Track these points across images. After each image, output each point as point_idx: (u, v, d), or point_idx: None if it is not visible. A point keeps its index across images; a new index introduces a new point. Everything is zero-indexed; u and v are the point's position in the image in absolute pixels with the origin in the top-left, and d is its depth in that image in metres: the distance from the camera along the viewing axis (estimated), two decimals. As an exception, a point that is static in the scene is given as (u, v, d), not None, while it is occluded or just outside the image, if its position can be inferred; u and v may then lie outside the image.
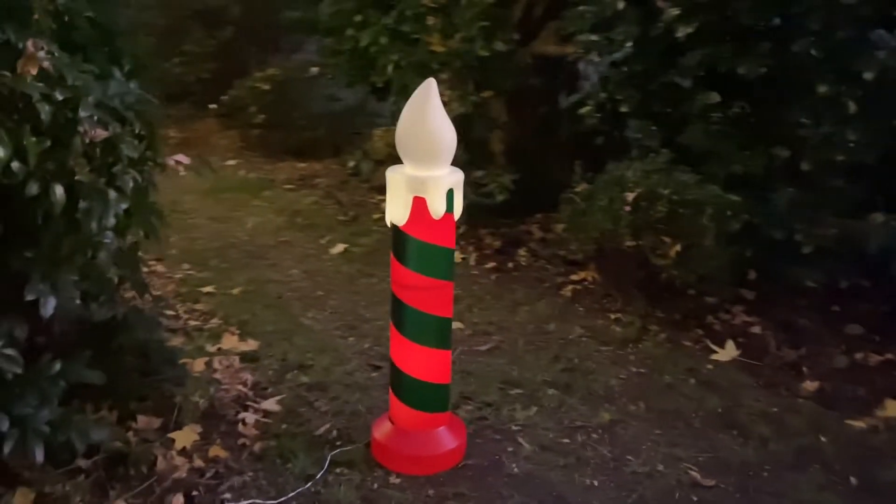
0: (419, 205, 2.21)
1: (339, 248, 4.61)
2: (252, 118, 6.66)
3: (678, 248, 3.47)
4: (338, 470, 2.47)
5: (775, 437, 2.76)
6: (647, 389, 3.08)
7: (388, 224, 2.33)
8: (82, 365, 2.10)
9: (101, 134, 1.98)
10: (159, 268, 4.11)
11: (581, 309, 3.82)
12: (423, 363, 2.38)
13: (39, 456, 1.91)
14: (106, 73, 2.21)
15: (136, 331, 2.46)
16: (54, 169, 1.93)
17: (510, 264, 4.39)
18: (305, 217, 5.22)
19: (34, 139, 1.87)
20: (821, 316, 3.61)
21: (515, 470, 2.53)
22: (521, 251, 4.53)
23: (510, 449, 2.63)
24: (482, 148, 5.12)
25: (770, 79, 3.42)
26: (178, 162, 2.43)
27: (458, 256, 4.46)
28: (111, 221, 1.99)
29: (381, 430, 2.49)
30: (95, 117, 1.99)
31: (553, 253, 4.45)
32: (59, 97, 1.92)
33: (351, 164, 5.96)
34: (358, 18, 5.38)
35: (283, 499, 2.33)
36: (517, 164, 4.96)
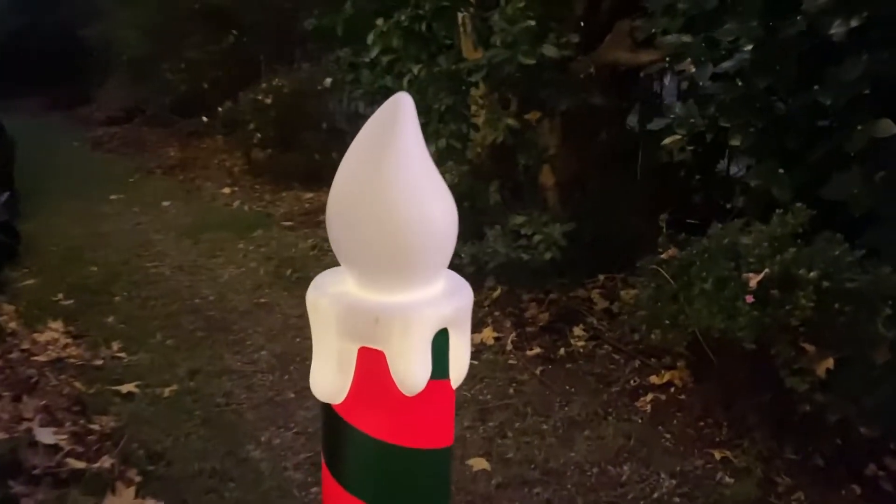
0: (371, 365, 1.01)
1: (332, 317, 3.44)
2: (251, 136, 5.56)
3: (829, 364, 2.21)
4: None
5: None
6: None
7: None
8: None
9: None
10: (73, 349, 2.98)
11: (668, 436, 2.57)
12: None
13: None
14: None
15: None
16: None
17: (562, 350, 3.15)
18: (298, 268, 4.06)
19: None
20: None
21: None
22: (578, 329, 3.30)
23: None
24: (526, 186, 3.92)
25: None
26: None
27: (489, 336, 3.25)
28: None
29: None
30: None
31: (623, 335, 3.20)
32: None
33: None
34: (380, 22, 4.25)
35: None
36: (573, 208, 3.75)
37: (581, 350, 3.17)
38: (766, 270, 2.25)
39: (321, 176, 5.57)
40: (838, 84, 2.35)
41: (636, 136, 4.06)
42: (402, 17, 3.49)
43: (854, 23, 2.22)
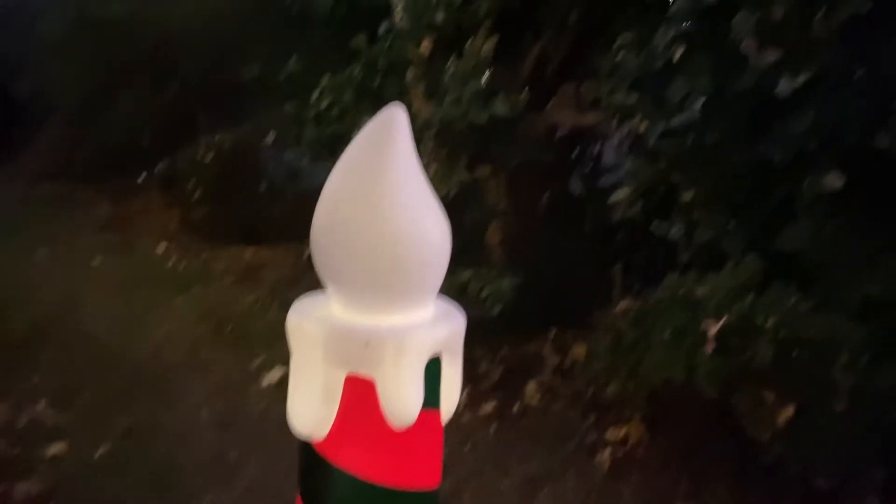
0: (359, 395, 0.93)
1: (276, 374, 3.30)
2: (191, 193, 5.41)
3: (790, 412, 2.21)
4: None
5: None
6: None
7: (294, 431, 1.04)
8: None
9: None
10: (-4, 408, 2.76)
11: (627, 492, 2.51)
12: None
13: None
14: None
15: None
16: None
17: (516, 407, 3.09)
18: (238, 325, 3.91)
19: None
20: None
21: None
22: (532, 386, 3.24)
23: None
24: (474, 241, 3.90)
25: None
26: None
27: (440, 393, 3.15)
28: None
29: None
30: None
31: (578, 391, 3.16)
32: None
33: (307, 253, 4.68)
34: (326, 80, 4.25)
35: None
36: (521, 263, 3.74)
37: (535, 406, 3.11)
38: (725, 318, 2.26)
39: (261, 233, 5.46)
40: (786, 138, 2.42)
41: (582, 194, 4.11)
42: (356, 72, 3.48)
43: (801, 79, 2.30)
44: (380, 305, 0.95)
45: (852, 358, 2.16)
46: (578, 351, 3.49)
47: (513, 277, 3.39)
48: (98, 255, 5.15)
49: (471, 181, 3.60)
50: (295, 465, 2.49)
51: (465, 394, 3.13)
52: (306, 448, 0.98)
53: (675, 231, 2.76)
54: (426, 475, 1.01)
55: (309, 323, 0.95)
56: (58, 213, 6.50)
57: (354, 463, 0.96)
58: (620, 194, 3.11)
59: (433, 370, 0.97)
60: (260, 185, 5.70)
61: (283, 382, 3.16)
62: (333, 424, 0.95)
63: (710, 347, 2.23)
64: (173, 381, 3.22)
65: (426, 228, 0.95)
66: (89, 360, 3.39)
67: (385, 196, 0.92)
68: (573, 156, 4.20)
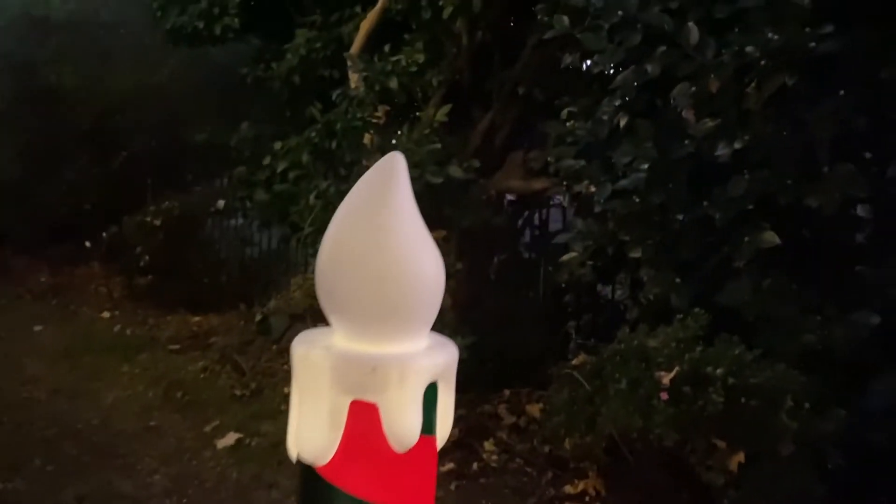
0: (363, 420, 0.99)
1: (230, 438, 3.26)
2: (138, 260, 5.35)
3: (740, 458, 2.31)
4: None
5: None
6: None
7: (293, 459, 1.08)
8: None
9: None
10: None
11: (587, 545, 2.55)
12: None
13: None
14: None
15: None
16: None
17: (475, 465, 3.11)
18: (189, 391, 3.85)
19: None
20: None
21: None
22: (489, 445, 3.27)
23: None
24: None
25: (853, 215, 2.44)
26: None
27: (398, 453, 3.16)
28: None
29: None
30: None
31: (533, 448, 3.21)
32: None
33: (258, 318, 4.67)
34: (278, 146, 4.34)
35: None
36: (473, 324, 3.81)
37: (493, 465, 3.14)
38: (677, 368, 2.37)
39: (208, 300, 5.41)
40: (725, 200, 2.60)
41: (532, 257, 4.26)
42: (313, 135, 3.58)
43: (737, 145, 2.49)
44: (382, 335, 1.01)
45: (796, 404, 2.28)
46: (533, 410, 3.56)
47: (466, 337, 3.46)
48: (39, 323, 5.03)
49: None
50: None
51: (423, 453, 3.14)
52: (308, 472, 1.02)
53: (625, 289, 2.89)
54: (422, 498, 1.06)
55: (316, 351, 1.00)
56: (-8, 281, 6.31)
57: (356, 485, 1.00)
58: (570, 255, 3.25)
59: (430, 397, 1.04)
60: (208, 251, 5.70)
61: (238, 446, 3.15)
62: (337, 450, 1.00)
63: (664, 396, 2.33)
64: (125, 447, 3.15)
65: (425, 265, 1.02)
66: (35, 428, 3.29)
67: (388, 235, 1.00)
68: (522, 220, 4.35)
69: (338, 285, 1.02)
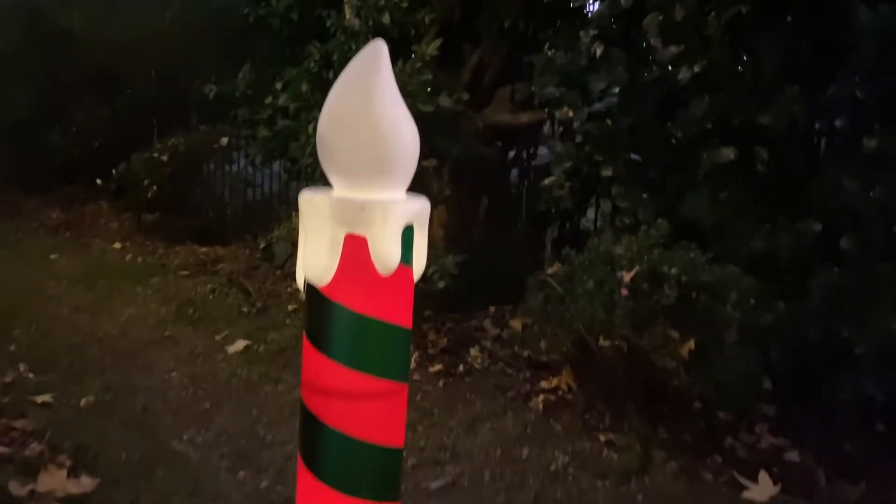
0: (355, 250, 1.28)
1: (239, 345, 3.58)
2: (146, 193, 5.62)
3: (691, 345, 2.62)
4: None
5: None
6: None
7: (300, 287, 1.37)
8: None
9: None
10: (-21, 368, 2.98)
11: (559, 427, 2.88)
12: (355, 529, 1.37)
13: None
14: None
15: None
16: None
17: (461, 367, 3.44)
18: (199, 308, 4.16)
19: None
20: (867, 438, 2.78)
21: None
22: (474, 351, 3.60)
23: None
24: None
25: (799, 131, 2.71)
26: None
27: (392, 358, 3.48)
28: None
29: None
30: None
31: (514, 353, 3.53)
32: None
33: (262, 245, 4.96)
34: (279, 85, 4.58)
35: None
36: (462, 247, 4.11)
37: (478, 367, 3.47)
38: (637, 268, 2.66)
39: (214, 233, 5.70)
40: (687, 121, 2.87)
41: (518, 191, 4.54)
42: (311, 65, 3.82)
43: (697, 69, 2.75)
44: (370, 185, 1.30)
45: (741, 298, 2.58)
46: (515, 324, 3.88)
47: (457, 255, 3.75)
48: (54, 253, 5.32)
49: (418, 170, 3.96)
50: (259, 410, 2.90)
51: (415, 357, 3.47)
52: (313, 292, 1.32)
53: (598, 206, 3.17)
54: (401, 313, 1.35)
55: (319, 196, 1.29)
56: (6, 219, 6.58)
57: (351, 301, 1.30)
58: (550, 179, 3.53)
59: (407, 237, 1.33)
60: (212, 189, 5.96)
61: (246, 352, 3.46)
62: (335, 273, 1.29)
63: (624, 292, 2.62)
64: (143, 352, 3.47)
65: (403, 130, 1.31)
66: (60, 336, 3.60)
67: (374, 105, 1.28)
68: (509, 150, 4.62)
69: (334, 147, 1.30)
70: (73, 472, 2.16)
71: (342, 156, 1.30)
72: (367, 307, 1.31)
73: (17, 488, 2.02)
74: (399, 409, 1.41)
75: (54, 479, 2.10)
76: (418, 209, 1.35)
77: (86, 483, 2.11)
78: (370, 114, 1.28)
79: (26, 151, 7.38)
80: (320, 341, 1.33)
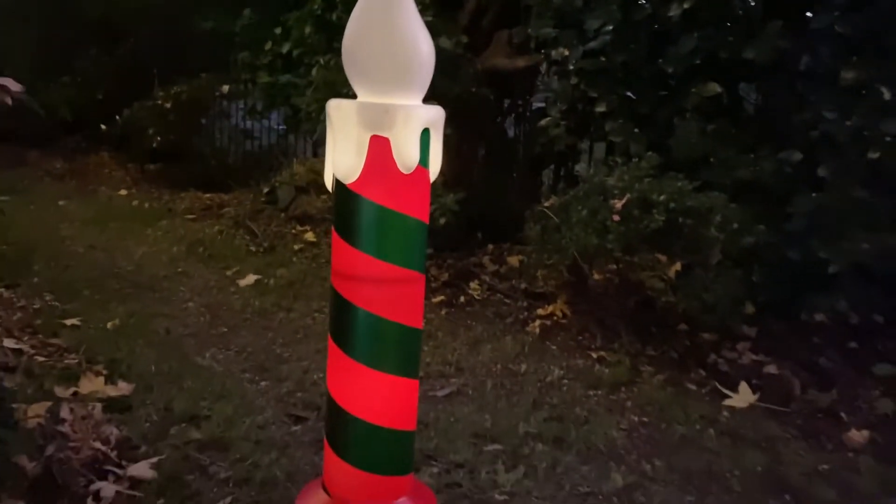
0: (379, 150, 1.45)
1: (250, 279, 3.75)
2: (150, 142, 5.75)
3: (678, 267, 2.81)
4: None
5: (843, 502, 2.06)
6: (659, 443, 2.35)
7: (329, 185, 1.55)
8: None
9: None
10: (8, 296, 3.14)
11: (554, 347, 3.08)
12: (380, 399, 1.57)
13: None
14: None
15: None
16: None
17: (462, 298, 3.63)
18: (209, 247, 4.34)
19: None
20: (840, 353, 2.99)
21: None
22: (474, 284, 3.79)
23: (496, 528, 1.84)
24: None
25: (782, 65, 2.87)
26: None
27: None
28: None
29: (311, 505, 1.64)
30: None
31: (512, 286, 3.72)
32: None
33: (266, 190, 5.12)
34: (279, 30, 4.69)
35: None
36: (462, 187, 4.28)
37: (477, 298, 3.66)
38: (628, 196, 2.84)
39: (217, 181, 5.84)
40: (677, 57, 3.02)
41: (516, 136, 4.69)
42: (315, 7, 3.93)
43: (686, 6, 2.90)
44: (391, 92, 1.47)
45: (724, 223, 2.77)
46: (512, 260, 4.06)
47: (458, 193, 3.92)
48: (63, 199, 5.46)
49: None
50: (274, 333, 3.11)
51: (417, 288, 3.65)
52: (341, 187, 1.49)
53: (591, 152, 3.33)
54: (420, 208, 1.53)
55: (346, 102, 1.46)
56: (11, 168, 6.69)
57: (375, 195, 1.48)
58: (547, 119, 3.69)
59: (424, 140, 1.50)
60: (214, 137, 6.09)
61: (257, 285, 3.64)
62: (361, 172, 1.46)
63: (615, 218, 2.80)
64: (159, 285, 3.64)
65: (421, 42, 1.47)
66: (79, 271, 3.77)
67: (398, 17, 1.44)
68: (507, 97, 4.75)
69: (359, 57, 1.47)
70: (110, 381, 2.35)
71: (367, 65, 1.47)
72: (391, 201, 1.49)
73: (61, 391, 2.21)
74: (418, 295, 1.60)
75: (94, 384, 2.28)
76: (435, 114, 1.52)
77: (123, 387, 2.30)
78: (393, 26, 1.45)
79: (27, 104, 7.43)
80: (348, 233, 1.51)
